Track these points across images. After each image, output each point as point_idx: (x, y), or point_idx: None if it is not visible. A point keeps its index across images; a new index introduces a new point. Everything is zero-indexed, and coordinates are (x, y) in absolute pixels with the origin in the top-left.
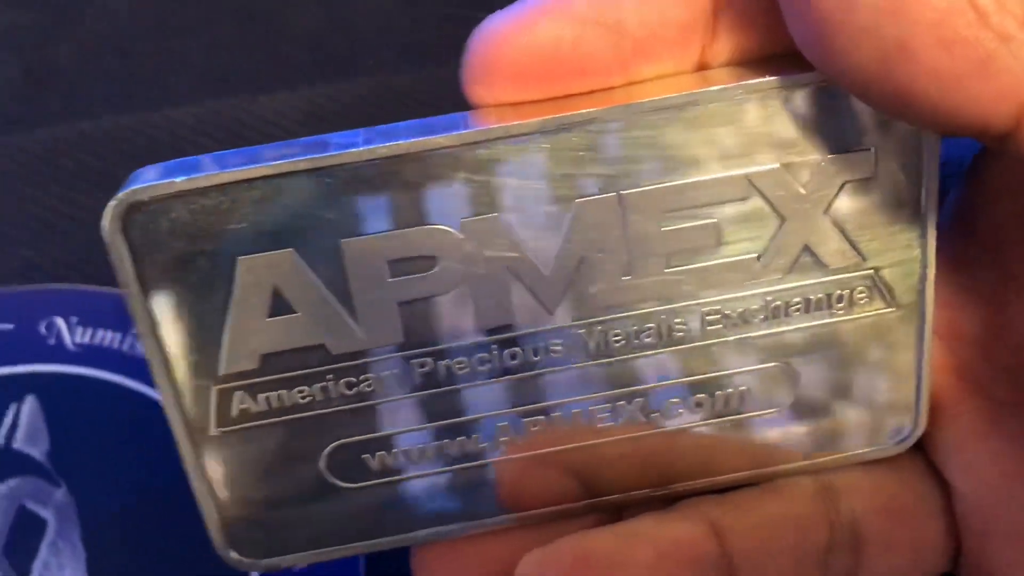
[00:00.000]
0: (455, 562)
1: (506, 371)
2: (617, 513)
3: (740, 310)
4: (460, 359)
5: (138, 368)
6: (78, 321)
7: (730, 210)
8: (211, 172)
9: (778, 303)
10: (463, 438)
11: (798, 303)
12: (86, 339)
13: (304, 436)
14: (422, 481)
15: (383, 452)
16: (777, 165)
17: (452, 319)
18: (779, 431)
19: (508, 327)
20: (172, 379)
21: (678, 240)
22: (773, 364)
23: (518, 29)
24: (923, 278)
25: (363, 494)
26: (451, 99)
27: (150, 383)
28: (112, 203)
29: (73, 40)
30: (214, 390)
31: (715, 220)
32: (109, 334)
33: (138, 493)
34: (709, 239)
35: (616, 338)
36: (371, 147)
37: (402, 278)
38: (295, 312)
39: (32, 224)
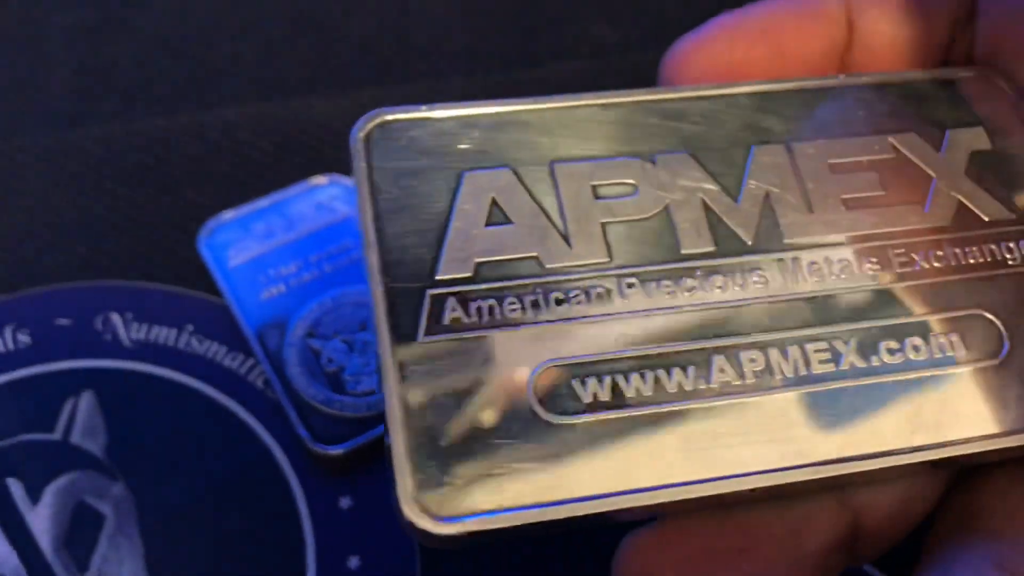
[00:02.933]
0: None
1: (713, 299)
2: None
3: (923, 254)
4: (665, 282)
5: (192, 364)
6: (133, 317)
7: (886, 166)
8: (447, 105)
9: (955, 249)
10: (681, 369)
11: (972, 250)
12: (141, 335)
13: (512, 354)
14: (644, 422)
15: (594, 378)
16: (913, 132)
17: (656, 243)
18: (1005, 389)
19: (708, 255)
20: (386, 281)
21: (849, 185)
22: (973, 310)
23: (699, 46)
24: None
25: (578, 432)
26: None
27: (204, 379)
28: (362, 119)
29: (129, 40)
30: (428, 295)
31: (875, 173)
32: (164, 330)
33: (194, 488)
34: (876, 188)
35: (814, 271)
36: (576, 96)
37: (606, 200)
38: (511, 223)
39: (88, 221)
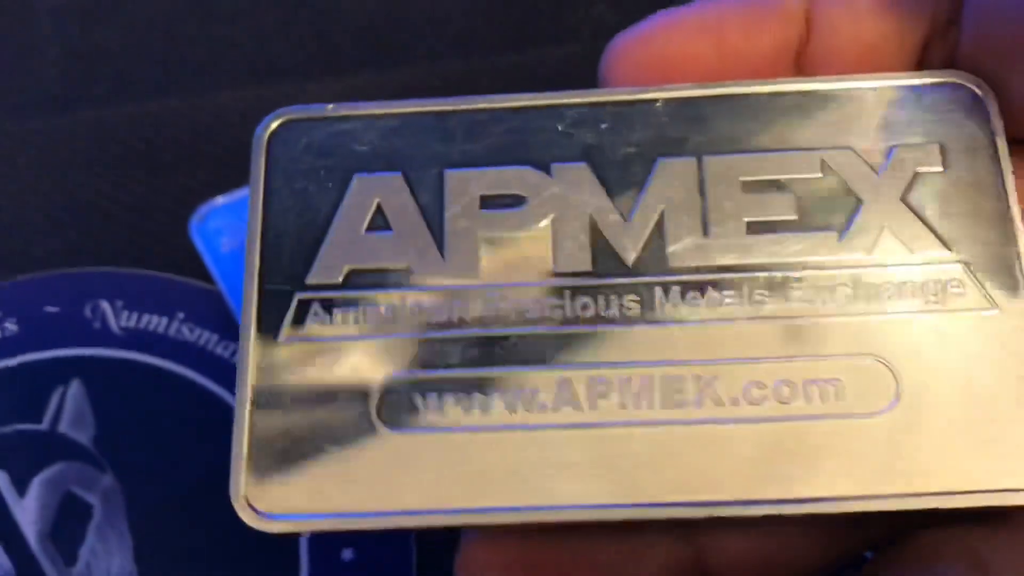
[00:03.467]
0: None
1: (576, 320)
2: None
3: (826, 289)
4: (531, 302)
5: (183, 353)
6: (123, 305)
7: (807, 188)
8: (352, 105)
9: (865, 287)
10: (521, 393)
11: (888, 288)
12: (131, 323)
13: (362, 363)
14: (476, 441)
15: (435, 394)
16: (849, 148)
17: (531, 259)
18: (877, 443)
19: (583, 274)
20: (259, 282)
21: (757, 207)
22: (866, 354)
23: (637, 42)
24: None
25: (412, 444)
26: (501, 88)
27: (195, 367)
28: (268, 117)
29: (120, 23)
30: (296, 297)
31: (792, 193)
32: (154, 318)
33: (185, 478)
34: (788, 211)
35: (693, 301)
36: (487, 97)
37: (492, 211)
38: (390, 230)
39: (78, 207)
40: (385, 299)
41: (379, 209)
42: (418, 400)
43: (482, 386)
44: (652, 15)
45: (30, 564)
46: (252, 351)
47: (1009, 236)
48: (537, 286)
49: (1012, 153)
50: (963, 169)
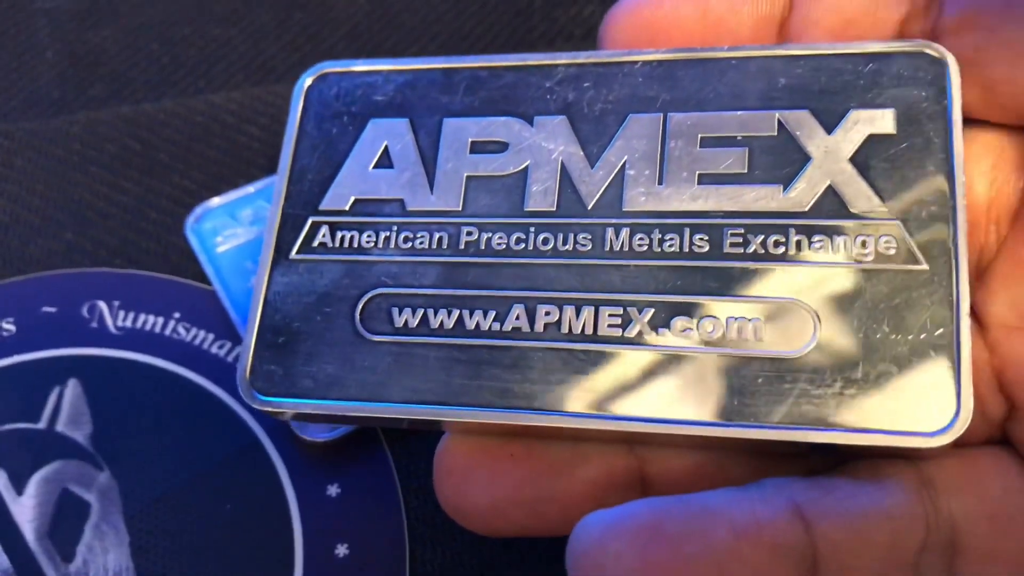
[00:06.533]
0: (476, 468)
1: (537, 254)
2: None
3: (761, 237)
4: (500, 234)
5: (179, 352)
6: (120, 305)
7: (761, 144)
8: (377, 61)
9: (800, 236)
10: (482, 312)
11: (820, 239)
12: (128, 322)
13: (354, 278)
14: (438, 350)
15: (409, 309)
16: (805, 110)
17: (506, 198)
18: (790, 384)
19: (548, 213)
20: (284, 206)
21: (711, 161)
22: (790, 298)
23: (630, 8)
24: (954, 242)
25: (384, 349)
26: None
27: (191, 366)
28: (311, 69)
29: (116, 26)
30: (309, 220)
31: (746, 148)
32: (151, 318)
33: (181, 476)
34: (739, 165)
35: (640, 242)
36: (489, 57)
37: (478, 155)
38: (392, 167)
39: (75, 208)
40: (379, 224)
41: (386, 150)
42: (395, 312)
43: (453, 303)
44: None
45: (28, 561)
46: (268, 264)
47: (946, 200)
48: (508, 220)
49: (988, 129)
50: (915, 135)
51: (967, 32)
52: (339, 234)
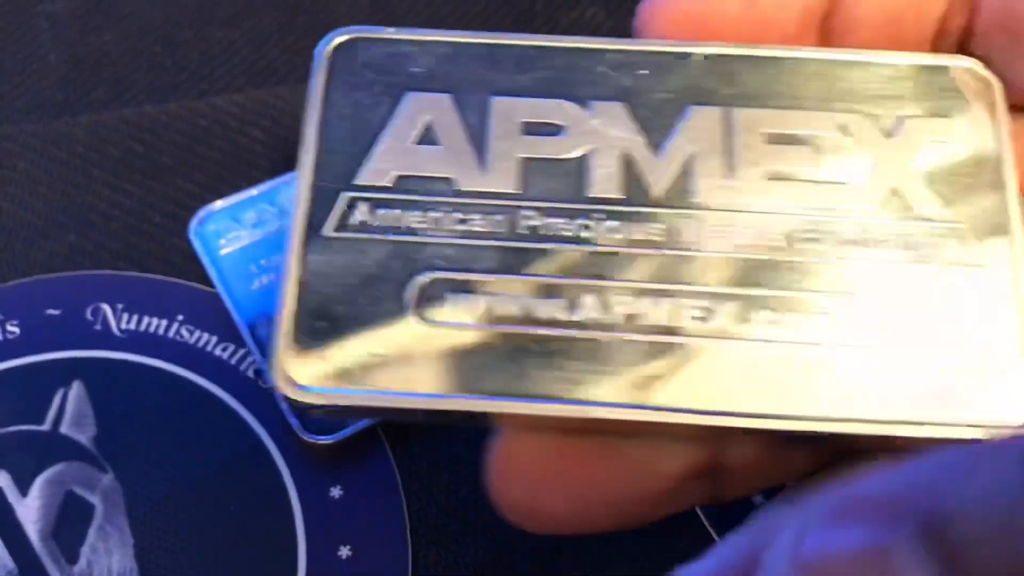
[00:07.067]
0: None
1: (606, 242)
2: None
3: (831, 235)
4: (563, 220)
5: (182, 354)
6: (124, 307)
7: (824, 145)
8: (409, 31)
9: (867, 236)
10: (551, 300)
11: (886, 239)
12: (132, 325)
13: (404, 260)
14: (504, 339)
15: (469, 294)
16: (864, 114)
17: (567, 183)
18: (859, 377)
19: (615, 201)
20: (313, 179)
21: (777, 157)
22: (858, 295)
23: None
24: (1011, 243)
25: (442, 336)
26: None
27: (194, 369)
28: (330, 34)
29: (118, 28)
30: (343, 195)
31: (810, 148)
32: (155, 320)
33: (185, 478)
34: (805, 163)
35: (715, 234)
36: (535, 36)
37: (533, 136)
38: (438, 145)
39: (77, 210)
40: (428, 203)
41: (428, 125)
42: (453, 298)
43: (518, 290)
44: None
45: (32, 562)
46: (299, 242)
47: (1003, 205)
48: (571, 205)
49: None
50: (966, 143)
51: (999, 34)
52: (381, 212)
